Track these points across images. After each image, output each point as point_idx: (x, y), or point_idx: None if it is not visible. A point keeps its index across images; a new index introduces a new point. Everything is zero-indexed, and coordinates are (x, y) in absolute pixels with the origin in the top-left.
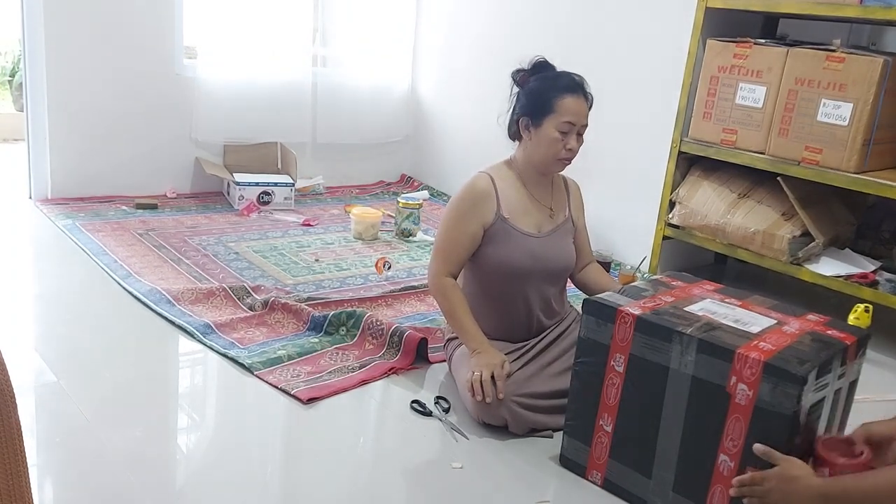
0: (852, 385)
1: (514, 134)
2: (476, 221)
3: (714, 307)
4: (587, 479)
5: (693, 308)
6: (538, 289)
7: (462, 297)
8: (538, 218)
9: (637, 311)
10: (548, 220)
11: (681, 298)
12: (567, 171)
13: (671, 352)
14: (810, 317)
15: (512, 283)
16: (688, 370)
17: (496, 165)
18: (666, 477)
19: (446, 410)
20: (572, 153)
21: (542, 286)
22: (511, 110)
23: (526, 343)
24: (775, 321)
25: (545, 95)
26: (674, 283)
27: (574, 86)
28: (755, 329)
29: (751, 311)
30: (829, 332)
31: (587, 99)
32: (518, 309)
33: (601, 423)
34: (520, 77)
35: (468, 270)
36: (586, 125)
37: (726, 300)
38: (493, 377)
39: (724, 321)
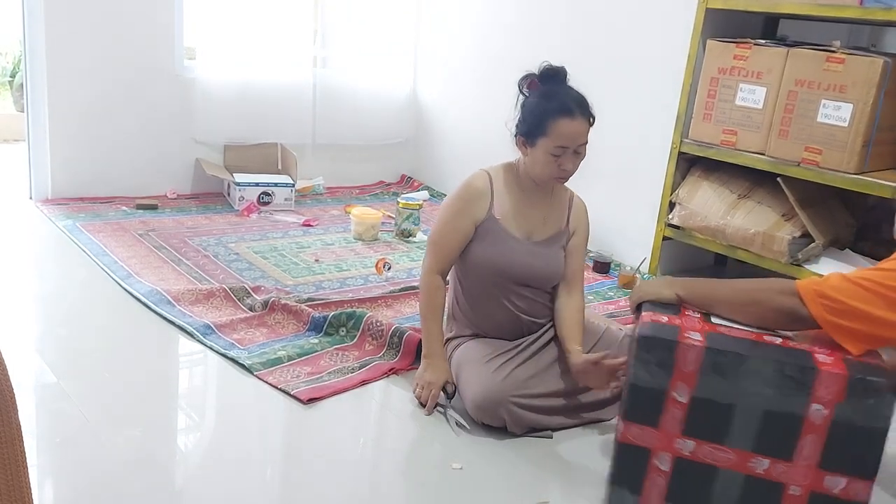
0: None
1: None
2: (468, 219)
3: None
4: None
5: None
6: (521, 293)
7: (441, 302)
8: (530, 224)
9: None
10: (540, 228)
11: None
12: None
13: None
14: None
15: (494, 283)
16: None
17: (499, 166)
18: None
19: (450, 396)
20: (567, 173)
21: (525, 291)
22: (516, 117)
23: (523, 341)
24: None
25: (539, 117)
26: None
27: (568, 107)
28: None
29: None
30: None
31: (586, 117)
32: (501, 310)
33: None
34: (526, 84)
35: (457, 267)
36: (585, 143)
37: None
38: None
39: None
